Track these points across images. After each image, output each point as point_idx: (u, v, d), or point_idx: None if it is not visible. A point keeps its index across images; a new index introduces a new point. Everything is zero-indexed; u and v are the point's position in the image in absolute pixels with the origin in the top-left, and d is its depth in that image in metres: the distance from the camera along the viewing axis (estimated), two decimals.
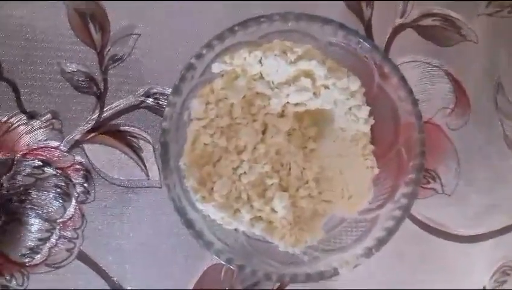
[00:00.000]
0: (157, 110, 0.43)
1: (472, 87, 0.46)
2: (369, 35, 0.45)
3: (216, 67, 0.37)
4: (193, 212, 0.36)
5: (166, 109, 0.35)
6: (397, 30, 0.45)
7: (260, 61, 0.37)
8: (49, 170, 0.42)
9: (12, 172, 0.42)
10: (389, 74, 0.36)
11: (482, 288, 0.46)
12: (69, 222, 0.42)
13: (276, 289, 0.44)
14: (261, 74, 0.38)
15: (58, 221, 0.42)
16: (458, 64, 0.46)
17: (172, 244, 0.43)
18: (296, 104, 0.39)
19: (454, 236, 0.46)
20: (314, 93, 0.38)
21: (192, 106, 0.37)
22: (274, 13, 0.36)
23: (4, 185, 0.42)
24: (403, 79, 0.36)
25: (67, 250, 0.42)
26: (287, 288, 0.44)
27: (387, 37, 0.45)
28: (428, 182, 0.45)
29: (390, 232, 0.35)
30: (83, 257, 0.43)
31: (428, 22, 0.46)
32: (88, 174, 0.43)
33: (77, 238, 0.43)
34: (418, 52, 0.46)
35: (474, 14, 0.46)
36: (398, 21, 0.45)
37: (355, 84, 0.38)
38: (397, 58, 0.45)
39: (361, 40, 0.36)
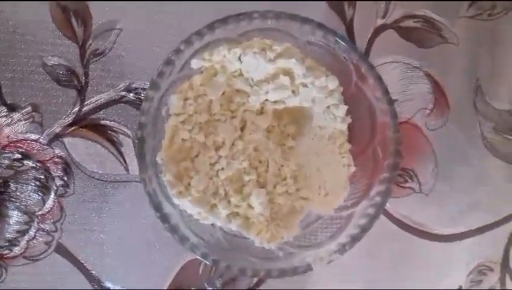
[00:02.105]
0: (137, 105, 0.43)
1: (451, 88, 0.46)
2: (350, 35, 0.45)
3: (195, 64, 0.37)
4: (169, 207, 0.36)
5: (144, 103, 0.35)
6: (378, 31, 0.46)
7: (239, 59, 0.38)
8: (28, 163, 0.42)
9: None
10: (366, 74, 0.37)
11: (458, 287, 0.46)
12: (48, 214, 0.43)
13: (253, 287, 0.44)
14: (240, 71, 0.38)
15: (36, 214, 0.42)
16: (438, 66, 0.46)
17: (151, 238, 0.43)
18: (275, 102, 0.39)
19: (432, 235, 0.46)
20: (293, 91, 0.38)
21: (170, 101, 0.38)
22: (253, 11, 0.36)
23: None
24: (379, 79, 0.36)
25: (46, 243, 0.43)
26: (263, 288, 0.44)
27: (369, 37, 0.46)
28: (406, 181, 0.46)
29: (364, 229, 0.36)
30: (61, 250, 0.43)
31: (409, 23, 0.46)
32: (68, 167, 0.43)
33: (56, 231, 0.43)
34: (398, 53, 0.46)
35: (455, 16, 0.46)
36: (380, 22, 0.46)
37: (333, 83, 0.38)
38: (378, 59, 0.45)
39: (339, 40, 0.36)
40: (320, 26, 0.36)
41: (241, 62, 0.38)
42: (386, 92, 0.36)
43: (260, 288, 0.44)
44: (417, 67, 0.46)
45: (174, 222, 0.35)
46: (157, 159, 0.37)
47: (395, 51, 0.46)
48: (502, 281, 0.47)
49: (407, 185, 0.46)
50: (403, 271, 0.46)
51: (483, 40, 0.47)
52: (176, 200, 0.37)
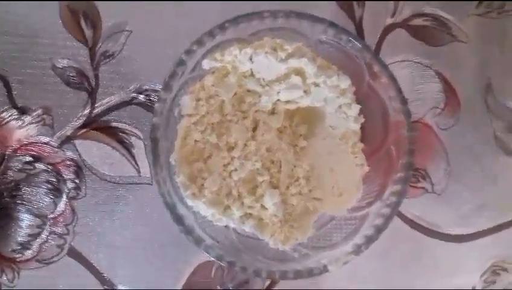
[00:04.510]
0: (148, 106, 0.43)
1: (462, 87, 0.46)
2: (360, 34, 0.45)
3: (207, 64, 0.37)
4: (183, 208, 0.36)
5: (156, 104, 0.35)
6: (388, 30, 0.46)
7: (251, 59, 0.37)
8: (40, 166, 0.42)
9: (2, 167, 0.42)
10: (378, 73, 0.37)
11: (471, 288, 0.46)
12: (60, 217, 0.43)
13: (266, 288, 0.44)
14: (251, 71, 0.38)
15: (49, 217, 0.42)
16: (448, 64, 0.46)
17: (163, 241, 0.43)
18: (287, 102, 0.39)
19: (445, 235, 0.46)
20: (305, 91, 0.38)
21: (182, 102, 0.38)
22: (264, 10, 0.36)
23: None
24: (392, 78, 0.36)
25: (58, 246, 0.42)
26: (276, 288, 0.44)
27: (378, 36, 0.46)
28: (419, 181, 0.46)
29: (379, 230, 0.36)
30: (73, 253, 0.43)
31: (419, 22, 0.46)
32: (79, 170, 0.43)
33: (68, 234, 0.43)
34: (408, 52, 0.46)
35: (465, 14, 0.46)
36: (389, 21, 0.46)
37: (345, 83, 0.38)
38: (388, 58, 0.45)
39: (352, 39, 0.36)
40: (332, 25, 0.36)
41: (252, 62, 0.38)
42: (399, 91, 0.36)
43: (273, 289, 0.44)
44: (427, 66, 0.46)
45: (188, 223, 0.35)
46: (170, 160, 0.37)
47: (404, 50, 0.46)
48: None
49: (419, 185, 0.46)
50: (415, 271, 0.46)
51: (493, 37, 0.47)
52: (189, 202, 0.36)
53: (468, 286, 0.46)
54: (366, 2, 0.45)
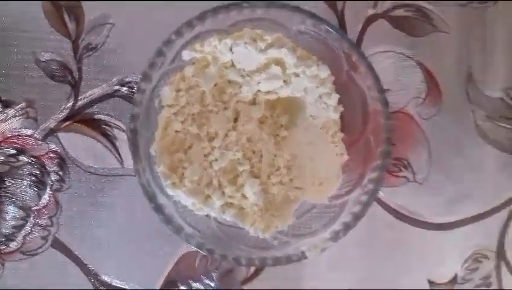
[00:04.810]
0: (131, 98, 0.43)
1: (444, 77, 0.46)
2: (342, 26, 0.46)
3: (187, 55, 0.38)
4: (163, 198, 0.36)
5: (136, 94, 0.35)
6: (370, 21, 0.46)
7: (231, 49, 0.38)
8: (23, 158, 0.42)
9: None
10: (357, 62, 0.37)
11: (453, 275, 0.47)
12: (44, 209, 0.43)
13: (249, 277, 0.44)
14: (232, 62, 0.39)
15: (33, 209, 0.43)
16: (430, 55, 0.46)
17: (147, 231, 0.43)
18: (267, 92, 0.39)
19: (427, 224, 0.46)
20: (285, 81, 0.39)
21: (162, 93, 0.38)
22: (243, 1, 0.36)
23: None
24: (369, 67, 0.36)
25: (42, 238, 0.43)
26: (260, 277, 0.44)
27: (360, 27, 0.46)
28: (400, 171, 0.46)
29: (357, 216, 0.36)
30: (58, 245, 0.43)
31: (400, 12, 0.46)
32: (63, 162, 0.43)
33: (52, 226, 0.43)
34: (390, 43, 0.46)
35: (446, 4, 0.46)
36: (371, 11, 0.46)
37: (324, 72, 0.38)
38: (370, 49, 0.45)
39: (330, 29, 0.36)
40: (311, 15, 0.36)
41: (233, 53, 0.38)
42: (376, 80, 0.36)
43: (256, 278, 0.44)
44: (409, 57, 0.46)
45: (168, 212, 0.35)
46: (150, 150, 0.37)
47: (386, 41, 0.46)
48: (498, 268, 0.47)
49: (401, 174, 0.46)
50: (399, 260, 0.46)
51: (474, 28, 0.47)
52: (170, 191, 0.37)
53: (451, 273, 0.47)
54: None
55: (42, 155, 0.43)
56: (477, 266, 0.47)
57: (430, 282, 0.46)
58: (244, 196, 0.38)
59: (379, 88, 0.36)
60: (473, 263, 0.47)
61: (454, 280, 0.47)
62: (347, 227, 0.36)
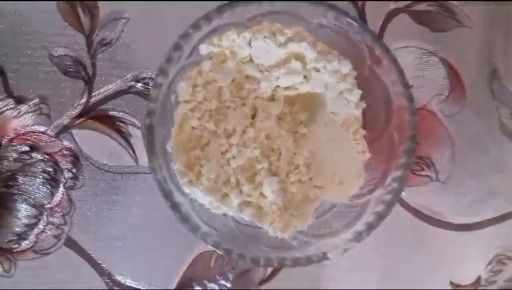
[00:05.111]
0: (146, 95, 0.43)
1: (467, 73, 0.45)
2: (362, 20, 0.44)
3: (204, 49, 0.37)
4: (180, 196, 0.36)
5: (152, 90, 0.34)
6: (391, 15, 0.45)
7: (249, 44, 0.37)
8: (36, 155, 0.42)
9: None
10: (380, 56, 0.36)
11: (477, 277, 0.45)
12: (57, 208, 0.42)
13: (267, 277, 0.43)
14: (250, 57, 0.38)
15: (45, 207, 0.42)
16: (453, 50, 0.45)
17: (161, 230, 0.43)
18: (287, 88, 0.38)
19: (449, 224, 0.45)
20: (305, 77, 0.38)
21: (179, 88, 0.37)
22: None
23: None
24: (394, 60, 0.35)
25: (55, 236, 0.42)
26: (277, 277, 0.43)
27: (381, 22, 0.45)
28: (423, 169, 0.45)
29: (381, 216, 0.35)
30: (71, 244, 0.42)
31: (422, 6, 0.45)
32: (76, 159, 0.42)
33: (65, 224, 0.42)
34: (412, 38, 0.45)
35: None
36: (392, 6, 0.45)
37: (346, 67, 0.37)
38: (391, 44, 0.44)
39: (352, 21, 0.35)
40: (331, 7, 0.35)
41: (251, 47, 0.37)
42: (401, 73, 0.35)
43: (273, 279, 0.43)
44: (432, 52, 0.45)
45: (185, 210, 0.34)
46: (166, 147, 0.36)
47: (408, 36, 0.45)
48: None
49: (423, 173, 0.45)
50: (420, 261, 0.45)
51: (498, 22, 0.46)
52: (186, 189, 0.36)
53: (474, 275, 0.45)
54: None
55: (55, 152, 0.42)
56: (501, 268, 0.46)
57: (453, 284, 0.45)
58: (262, 195, 0.37)
59: (404, 83, 0.35)
60: (496, 264, 0.46)
61: (477, 282, 0.45)
62: (370, 227, 0.35)
